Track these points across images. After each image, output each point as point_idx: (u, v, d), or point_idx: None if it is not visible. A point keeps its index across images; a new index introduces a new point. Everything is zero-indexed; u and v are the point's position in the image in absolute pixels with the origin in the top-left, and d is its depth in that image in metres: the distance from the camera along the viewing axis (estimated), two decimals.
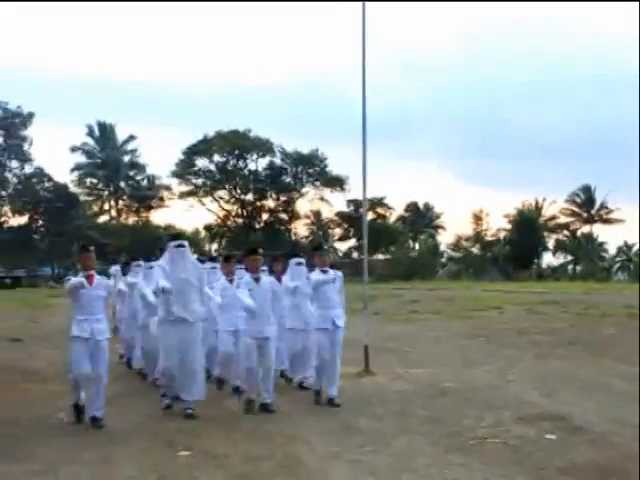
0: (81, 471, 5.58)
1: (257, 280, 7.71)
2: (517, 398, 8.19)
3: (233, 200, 58.91)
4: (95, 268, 7.14)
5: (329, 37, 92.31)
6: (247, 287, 7.59)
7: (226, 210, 59.61)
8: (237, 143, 55.92)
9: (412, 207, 67.09)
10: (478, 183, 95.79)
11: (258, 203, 59.55)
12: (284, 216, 60.56)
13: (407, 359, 11.31)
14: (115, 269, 14.81)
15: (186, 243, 7.51)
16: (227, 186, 58.04)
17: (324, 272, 8.05)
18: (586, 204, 63.81)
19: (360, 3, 10.20)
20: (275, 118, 78.78)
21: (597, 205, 63.62)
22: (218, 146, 55.61)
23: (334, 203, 60.47)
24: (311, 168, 58.58)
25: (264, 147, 57.71)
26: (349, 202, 59.84)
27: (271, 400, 7.52)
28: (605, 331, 14.26)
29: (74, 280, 6.85)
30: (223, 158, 56.91)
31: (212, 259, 10.65)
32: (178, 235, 8.02)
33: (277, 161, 58.77)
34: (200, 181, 57.03)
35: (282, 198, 59.56)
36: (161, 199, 57.61)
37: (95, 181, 55.02)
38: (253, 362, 7.58)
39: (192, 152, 55.54)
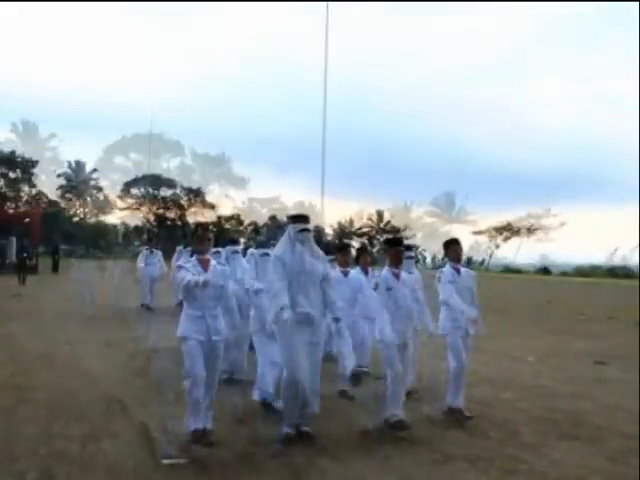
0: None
1: (397, 277, 5.55)
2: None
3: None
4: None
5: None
6: (386, 285, 5.47)
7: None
8: (152, 144, 54.74)
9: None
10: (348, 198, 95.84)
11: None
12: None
13: None
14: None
15: (311, 227, 5.32)
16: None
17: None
18: (447, 207, 66.77)
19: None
20: (187, 121, 76.21)
21: (456, 208, 66.72)
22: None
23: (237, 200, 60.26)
24: (217, 169, 58.32)
25: (175, 148, 57.10)
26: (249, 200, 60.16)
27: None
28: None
29: (200, 279, 4.77)
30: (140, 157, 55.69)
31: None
32: (302, 217, 5.31)
33: (187, 161, 58.23)
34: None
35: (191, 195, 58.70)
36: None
37: None
38: (399, 368, 5.41)
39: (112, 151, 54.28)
